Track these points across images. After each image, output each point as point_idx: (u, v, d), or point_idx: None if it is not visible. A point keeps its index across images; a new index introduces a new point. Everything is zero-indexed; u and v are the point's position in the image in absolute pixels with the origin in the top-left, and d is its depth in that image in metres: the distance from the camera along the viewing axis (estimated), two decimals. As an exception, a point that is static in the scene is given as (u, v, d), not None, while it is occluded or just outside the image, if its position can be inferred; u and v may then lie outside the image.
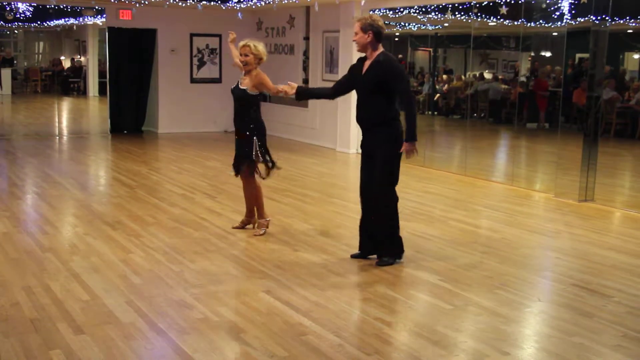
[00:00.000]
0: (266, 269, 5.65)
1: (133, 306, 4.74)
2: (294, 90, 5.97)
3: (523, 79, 17.53)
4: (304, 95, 6.20)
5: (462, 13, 12.10)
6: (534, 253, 6.46)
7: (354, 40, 5.72)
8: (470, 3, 11.24)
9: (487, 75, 17.97)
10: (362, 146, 5.78)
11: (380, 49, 5.64)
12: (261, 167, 6.69)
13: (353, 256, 5.94)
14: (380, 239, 5.80)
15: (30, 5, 18.97)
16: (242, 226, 6.87)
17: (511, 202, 8.58)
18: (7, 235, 6.52)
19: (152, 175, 10.04)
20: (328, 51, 13.10)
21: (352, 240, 6.57)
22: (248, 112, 6.51)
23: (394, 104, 5.62)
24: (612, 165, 11.19)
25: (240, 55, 6.45)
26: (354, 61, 5.86)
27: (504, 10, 11.93)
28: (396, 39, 19.18)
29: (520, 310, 4.91)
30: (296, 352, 4.08)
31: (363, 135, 5.75)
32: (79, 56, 26.58)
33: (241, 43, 6.44)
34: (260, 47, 6.48)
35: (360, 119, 5.73)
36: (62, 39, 28.05)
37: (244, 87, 6.44)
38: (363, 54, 5.74)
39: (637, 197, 9.45)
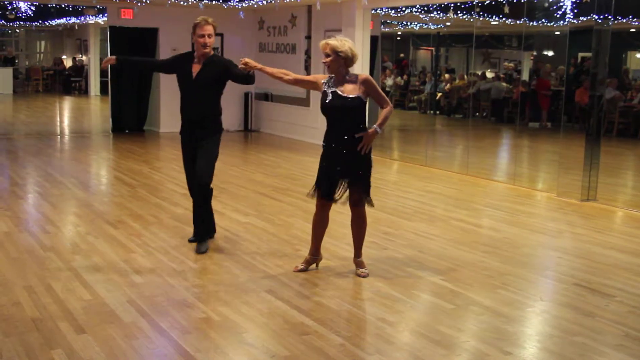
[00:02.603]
0: (268, 268, 5.65)
1: (134, 305, 4.74)
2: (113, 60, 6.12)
3: (515, 75, 17.52)
4: (125, 62, 6.42)
5: (464, 12, 12.09)
6: (536, 252, 6.45)
7: (207, 43, 5.84)
8: (472, 2, 11.23)
9: (489, 74, 17.97)
10: (188, 141, 6.09)
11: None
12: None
13: (191, 240, 6.30)
14: (204, 224, 6.14)
15: (32, 4, 18.98)
16: (306, 267, 5.61)
17: (513, 202, 8.57)
18: (9, 235, 6.52)
19: (153, 174, 10.03)
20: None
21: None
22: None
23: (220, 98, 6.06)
24: (614, 165, 11.16)
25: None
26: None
27: (506, 9, 11.91)
28: (398, 38, 19.17)
29: (522, 309, 4.90)
30: (298, 351, 4.07)
31: (189, 130, 6.04)
32: (80, 55, 26.58)
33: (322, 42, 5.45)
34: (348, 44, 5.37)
35: (193, 115, 6.00)
36: (63, 38, 28.05)
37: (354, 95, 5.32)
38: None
39: (639, 196, 9.43)
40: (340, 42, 5.33)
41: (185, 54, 6.07)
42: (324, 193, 5.45)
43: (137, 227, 6.88)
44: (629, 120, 14.78)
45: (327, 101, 5.34)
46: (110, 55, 14.82)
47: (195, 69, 5.88)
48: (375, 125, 5.32)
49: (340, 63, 5.33)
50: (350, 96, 5.29)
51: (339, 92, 5.31)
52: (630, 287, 5.41)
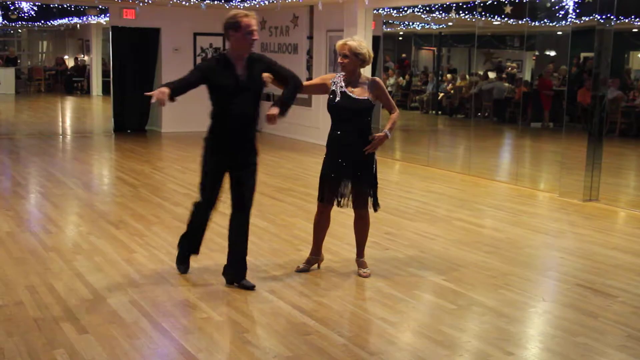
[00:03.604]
0: (269, 268, 5.64)
1: (136, 306, 4.74)
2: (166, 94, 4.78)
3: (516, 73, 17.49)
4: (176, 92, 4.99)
5: (466, 12, 12.08)
6: (538, 253, 6.44)
7: (255, 39, 5.00)
8: (474, 2, 11.22)
9: (492, 74, 17.96)
10: (229, 160, 5.10)
11: None
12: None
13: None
14: (243, 258, 5.24)
15: (34, 5, 19.00)
16: (307, 268, 5.58)
17: (515, 202, 8.57)
18: (11, 235, 6.52)
19: (155, 174, 10.04)
20: (332, 50, 13.09)
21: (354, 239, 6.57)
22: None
23: None
24: (616, 165, 11.16)
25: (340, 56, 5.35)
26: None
27: (508, 9, 11.90)
28: (400, 38, 19.16)
29: (524, 310, 4.89)
30: (300, 352, 4.07)
31: (238, 147, 5.08)
32: (82, 55, 26.59)
33: (340, 42, 5.37)
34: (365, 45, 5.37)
35: (247, 126, 5.09)
36: (65, 38, 28.06)
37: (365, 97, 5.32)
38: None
39: (641, 196, 9.42)
40: (358, 43, 5.32)
41: (217, 59, 5.11)
42: (326, 198, 5.46)
43: (139, 227, 6.88)
44: (631, 120, 14.78)
45: (335, 101, 5.32)
46: (113, 55, 14.88)
47: (242, 72, 5.02)
48: (385, 130, 5.33)
49: (357, 64, 5.33)
50: (360, 98, 5.29)
51: (348, 93, 5.30)
52: (632, 287, 5.40)
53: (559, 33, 15.06)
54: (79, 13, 19.22)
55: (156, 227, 6.92)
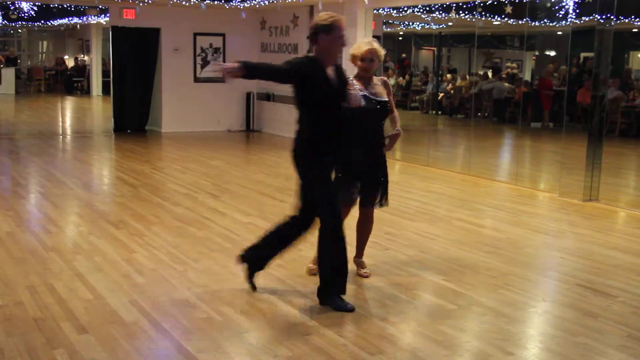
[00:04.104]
0: (270, 268, 5.63)
1: (136, 306, 4.74)
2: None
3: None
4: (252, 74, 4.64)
5: (466, 12, 12.09)
6: (538, 253, 6.44)
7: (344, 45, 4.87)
8: (474, 2, 11.23)
9: (489, 73, 17.95)
10: (329, 171, 4.99)
11: None
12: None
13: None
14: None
15: (34, 5, 19.01)
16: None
17: (515, 202, 8.56)
18: (11, 235, 6.52)
19: (155, 174, 10.04)
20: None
21: (354, 240, 6.56)
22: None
23: None
24: (616, 165, 11.16)
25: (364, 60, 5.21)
26: None
27: (508, 9, 11.91)
28: (400, 38, 19.18)
29: (524, 310, 4.89)
30: (300, 351, 4.07)
31: (333, 153, 5.00)
32: (82, 55, 26.59)
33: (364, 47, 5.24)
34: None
35: (338, 133, 4.99)
36: (65, 38, 28.07)
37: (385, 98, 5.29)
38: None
39: (641, 196, 9.42)
40: (378, 44, 5.26)
41: (308, 60, 4.86)
42: (341, 200, 5.38)
43: (139, 227, 6.88)
44: (631, 120, 14.79)
45: (360, 105, 5.18)
46: (113, 55, 14.88)
47: (333, 77, 4.87)
48: (398, 128, 5.34)
49: (377, 66, 5.33)
50: (382, 99, 5.22)
51: (370, 96, 5.19)
52: (632, 287, 5.40)
53: (559, 33, 15.07)
54: (79, 13, 19.23)
55: (156, 227, 6.92)
